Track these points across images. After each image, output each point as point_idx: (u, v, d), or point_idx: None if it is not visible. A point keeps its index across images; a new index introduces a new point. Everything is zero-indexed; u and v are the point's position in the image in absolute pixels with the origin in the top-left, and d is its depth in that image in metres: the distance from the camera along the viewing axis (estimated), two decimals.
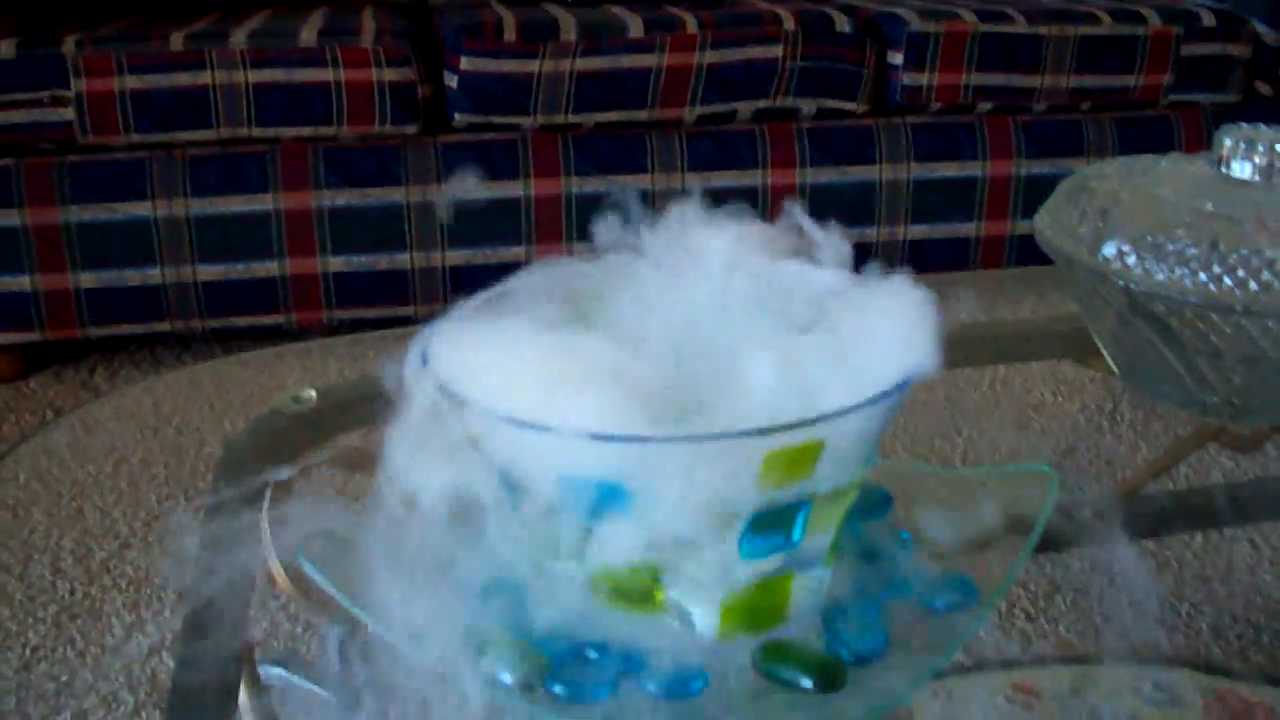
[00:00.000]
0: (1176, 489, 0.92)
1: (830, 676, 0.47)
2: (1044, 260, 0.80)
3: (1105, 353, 0.75)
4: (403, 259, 2.01)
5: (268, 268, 1.99)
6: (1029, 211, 2.18)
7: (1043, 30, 2.09)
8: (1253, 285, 0.64)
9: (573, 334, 0.46)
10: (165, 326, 2.01)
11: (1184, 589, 0.96)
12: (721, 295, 0.48)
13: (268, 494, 0.71)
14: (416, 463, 0.47)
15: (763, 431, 0.40)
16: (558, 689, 0.46)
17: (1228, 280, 0.64)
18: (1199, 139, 2.21)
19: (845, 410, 0.42)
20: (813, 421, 0.41)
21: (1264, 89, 2.24)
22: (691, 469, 0.40)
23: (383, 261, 2.01)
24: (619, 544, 0.43)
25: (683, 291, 0.50)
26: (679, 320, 0.45)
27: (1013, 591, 1.05)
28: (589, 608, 0.47)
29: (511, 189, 2.01)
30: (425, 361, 0.47)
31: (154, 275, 1.97)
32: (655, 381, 0.42)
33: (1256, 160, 0.71)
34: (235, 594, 0.66)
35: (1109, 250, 0.68)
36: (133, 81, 1.86)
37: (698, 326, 0.46)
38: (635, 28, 1.98)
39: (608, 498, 0.42)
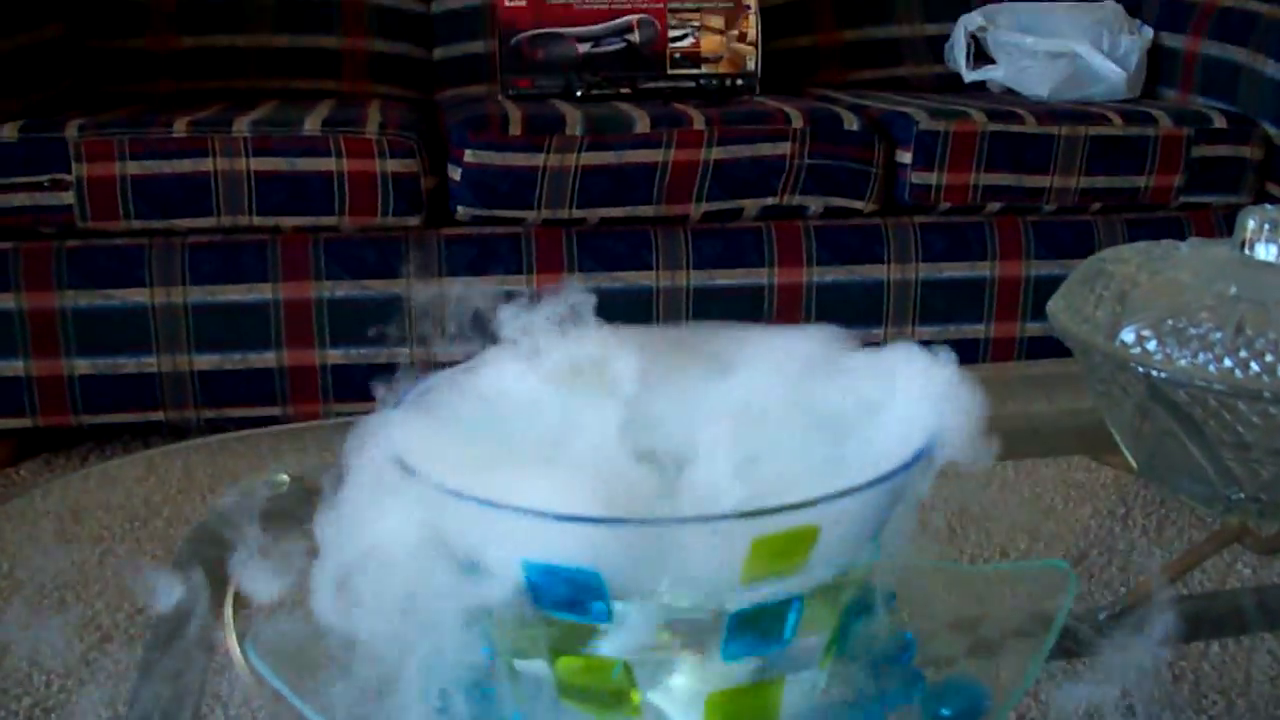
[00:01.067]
0: (1201, 592, 0.88)
1: None
2: (1058, 354, 0.76)
3: (1123, 447, 0.71)
4: (403, 353, 1.98)
5: (265, 358, 1.96)
6: (1039, 313, 2.15)
7: (1052, 130, 2.08)
8: None
9: (543, 417, 0.42)
10: (160, 416, 1.98)
11: (1202, 701, 0.91)
12: (721, 381, 0.44)
13: (231, 581, 0.68)
14: (373, 550, 0.43)
15: (750, 514, 0.36)
16: None
17: (1255, 366, 0.60)
18: None
19: (842, 493, 0.38)
20: (806, 504, 0.37)
21: (1276, 190, 2.22)
22: (671, 556, 0.36)
23: (383, 355, 1.98)
24: (591, 639, 0.39)
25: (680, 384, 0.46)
26: (665, 408, 0.41)
27: (1026, 706, 1.00)
28: (559, 711, 0.43)
29: (515, 283, 1.99)
30: (389, 449, 0.44)
31: (150, 363, 1.94)
32: (635, 468, 0.38)
33: None
34: (190, 679, 0.63)
35: (1128, 335, 0.64)
36: (134, 167, 1.85)
37: (688, 411, 0.42)
38: (642, 123, 1.97)
39: (579, 588, 0.38)
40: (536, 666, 0.43)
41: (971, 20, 2.50)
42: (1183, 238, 2.11)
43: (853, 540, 0.41)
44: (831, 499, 0.37)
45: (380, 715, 0.45)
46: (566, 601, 0.39)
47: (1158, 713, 0.89)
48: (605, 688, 0.42)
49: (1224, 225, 2.20)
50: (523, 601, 0.40)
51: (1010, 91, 2.44)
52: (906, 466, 0.40)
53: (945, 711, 0.47)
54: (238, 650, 0.58)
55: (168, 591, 0.67)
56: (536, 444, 0.40)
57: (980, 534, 1.10)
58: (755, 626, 0.40)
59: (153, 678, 0.66)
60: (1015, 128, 2.07)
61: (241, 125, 1.88)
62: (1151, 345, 0.63)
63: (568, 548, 0.37)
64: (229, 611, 0.63)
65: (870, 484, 0.38)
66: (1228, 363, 0.61)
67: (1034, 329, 2.15)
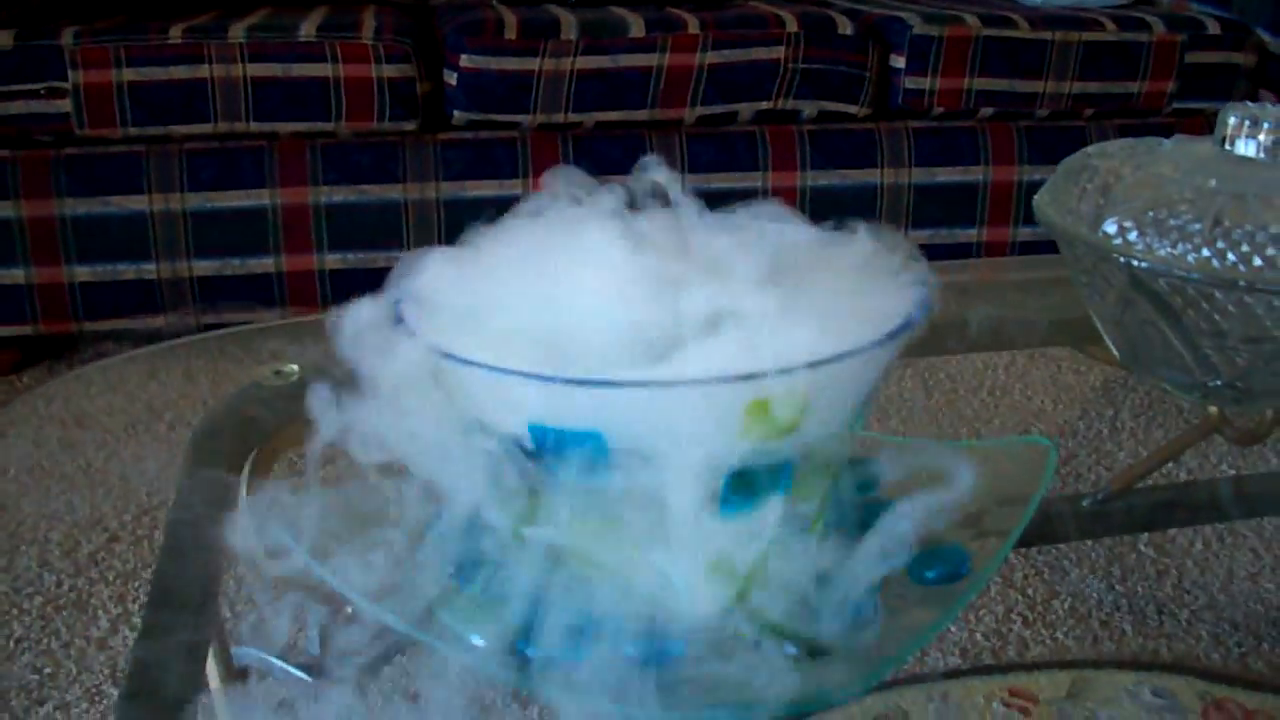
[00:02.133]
0: (1181, 481, 0.90)
1: (817, 644, 0.45)
2: (1050, 250, 0.78)
3: (1106, 336, 0.73)
4: (400, 257, 2.00)
5: (264, 264, 1.98)
6: (1031, 217, 2.17)
7: (1046, 36, 2.08)
8: (1257, 261, 0.62)
9: (543, 281, 0.44)
10: (160, 322, 2.00)
11: (1183, 596, 0.94)
12: (703, 251, 0.46)
13: (247, 467, 0.70)
14: (388, 423, 0.46)
15: (744, 377, 0.38)
16: (531, 652, 0.44)
17: (1231, 256, 0.62)
18: None
19: (831, 358, 0.40)
20: (796, 368, 0.39)
21: (1269, 97, 2.23)
22: (669, 416, 0.39)
23: (380, 259, 2.00)
24: (594, 500, 0.42)
25: (661, 246, 0.48)
26: (658, 272, 0.44)
27: (1009, 595, 1.03)
28: (564, 570, 0.45)
29: (511, 188, 2.00)
30: (397, 314, 0.46)
31: (149, 270, 1.96)
32: (634, 327, 0.40)
33: (1261, 138, 0.69)
34: (207, 570, 0.65)
35: (1110, 227, 0.66)
36: (130, 74, 1.85)
37: (677, 279, 0.44)
38: (636, 27, 1.97)
39: (581, 448, 0.41)
40: (544, 532, 0.45)
41: None
42: None
43: (842, 405, 0.43)
44: (822, 364, 0.40)
45: (398, 585, 0.47)
46: (572, 464, 0.41)
47: (1142, 606, 0.92)
48: (611, 547, 0.45)
49: None
50: (530, 465, 0.42)
51: None
52: (894, 333, 0.42)
53: (930, 574, 0.49)
54: (252, 534, 0.61)
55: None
56: (538, 310, 0.43)
57: (971, 433, 1.13)
58: (752, 485, 0.43)
59: (175, 560, 0.68)
60: (1009, 33, 2.07)
61: (237, 31, 1.89)
62: (1133, 236, 0.65)
63: (572, 410, 0.40)
64: (244, 498, 0.65)
65: (855, 352, 0.41)
66: (1205, 252, 0.63)
67: (1026, 233, 2.17)
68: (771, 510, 0.43)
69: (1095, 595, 0.94)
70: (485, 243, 0.48)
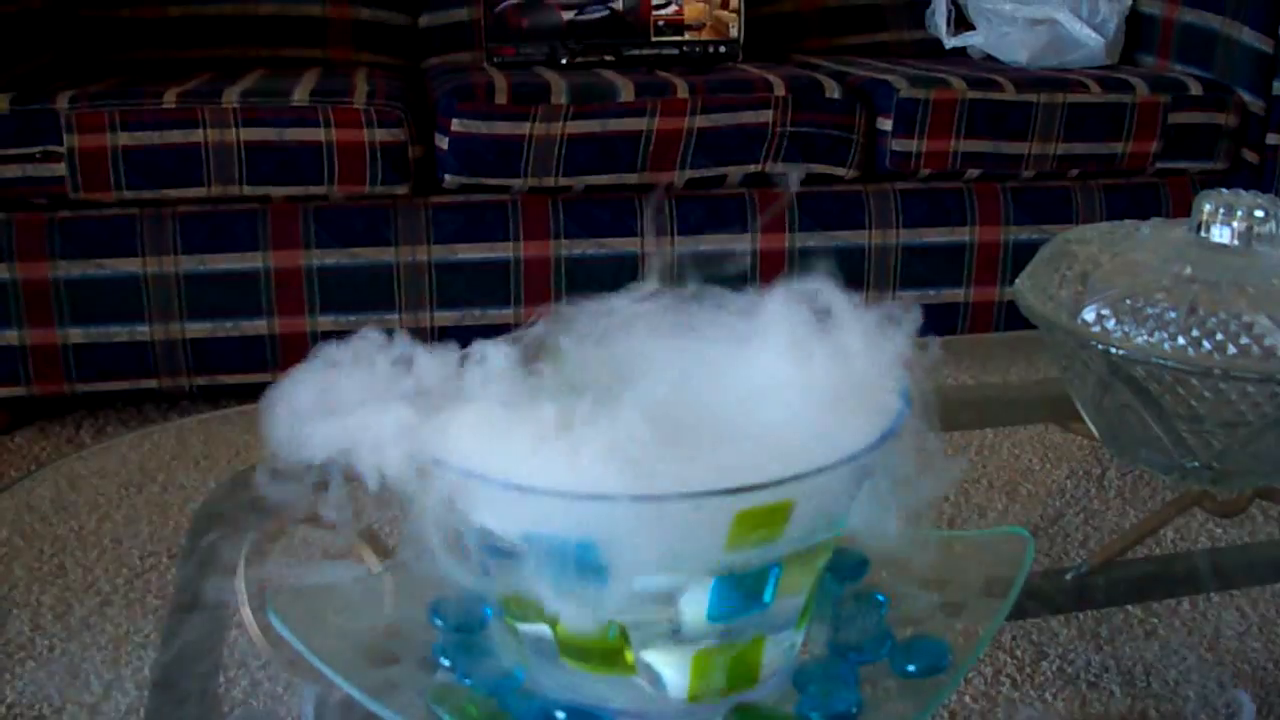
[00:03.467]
0: (1161, 554, 0.91)
1: None
2: (1033, 326, 0.80)
3: (1086, 417, 0.74)
4: (392, 319, 2.01)
5: (256, 326, 1.99)
6: (1017, 277, 2.19)
7: (1031, 98, 2.11)
8: (1231, 349, 0.64)
9: (542, 391, 0.46)
10: (153, 383, 2.01)
11: (1170, 657, 0.95)
12: (698, 349, 0.48)
13: (245, 549, 0.71)
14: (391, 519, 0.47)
15: (732, 491, 0.40)
16: None
17: (1207, 344, 0.64)
18: (1186, 206, 2.20)
19: (816, 470, 0.41)
20: (783, 481, 0.41)
21: (1250, 157, 2.25)
22: (661, 527, 0.40)
23: (372, 321, 2.01)
24: (588, 602, 0.43)
25: (659, 349, 0.49)
26: (652, 378, 0.45)
27: (997, 657, 1.04)
28: (558, 667, 0.47)
29: (501, 250, 2.02)
30: (396, 422, 0.47)
31: (142, 332, 1.97)
32: (627, 438, 0.42)
33: (1235, 225, 0.71)
34: (207, 647, 0.66)
35: (1089, 314, 0.68)
36: (125, 138, 1.87)
37: (672, 384, 0.45)
38: (626, 92, 1.99)
39: (577, 556, 0.42)
40: (537, 627, 0.46)
41: None
42: (1159, 204, 2.14)
43: (826, 511, 0.45)
44: (805, 476, 0.41)
45: (390, 673, 0.48)
46: (566, 570, 0.42)
47: (1129, 667, 0.93)
48: (602, 647, 0.46)
49: (1200, 191, 2.23)
50: (524, 568, 0.44)
51: (990, 57, 2.46)
52: (873, 446, 0.43)
53: (911, 667, 0.50)
54: (257, 629, 0.62)
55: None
56: (534, 417, 0.44)
57: (959, 494, 1.14)
58: (740, 587, 0.44)
59: (174, 645, 0.69)
60: (994, 95, 2.10)
61: (231, 96, 1.90)
62: (1111, 324, 0.67)
63: (565, 520, 0.41)
64: (243, 590, 0.66)
65: (840, 462, 0.42)
66: (1181, 341, 0.64)
67: (1012, 293, 2.18)
68: (758, 611, 0.44)
69: (1083, 657, 0.95)
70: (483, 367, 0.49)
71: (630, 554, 0.41)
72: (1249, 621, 0.92)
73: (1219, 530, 1.08)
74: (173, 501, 1.01)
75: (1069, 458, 1.20)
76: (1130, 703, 0.91)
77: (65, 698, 0.97)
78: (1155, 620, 0.94)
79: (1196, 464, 0.70)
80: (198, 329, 1.98)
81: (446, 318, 2.03)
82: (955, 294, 2.18)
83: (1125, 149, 2.17)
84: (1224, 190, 0.73)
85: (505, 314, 2.04)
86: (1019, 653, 0.99)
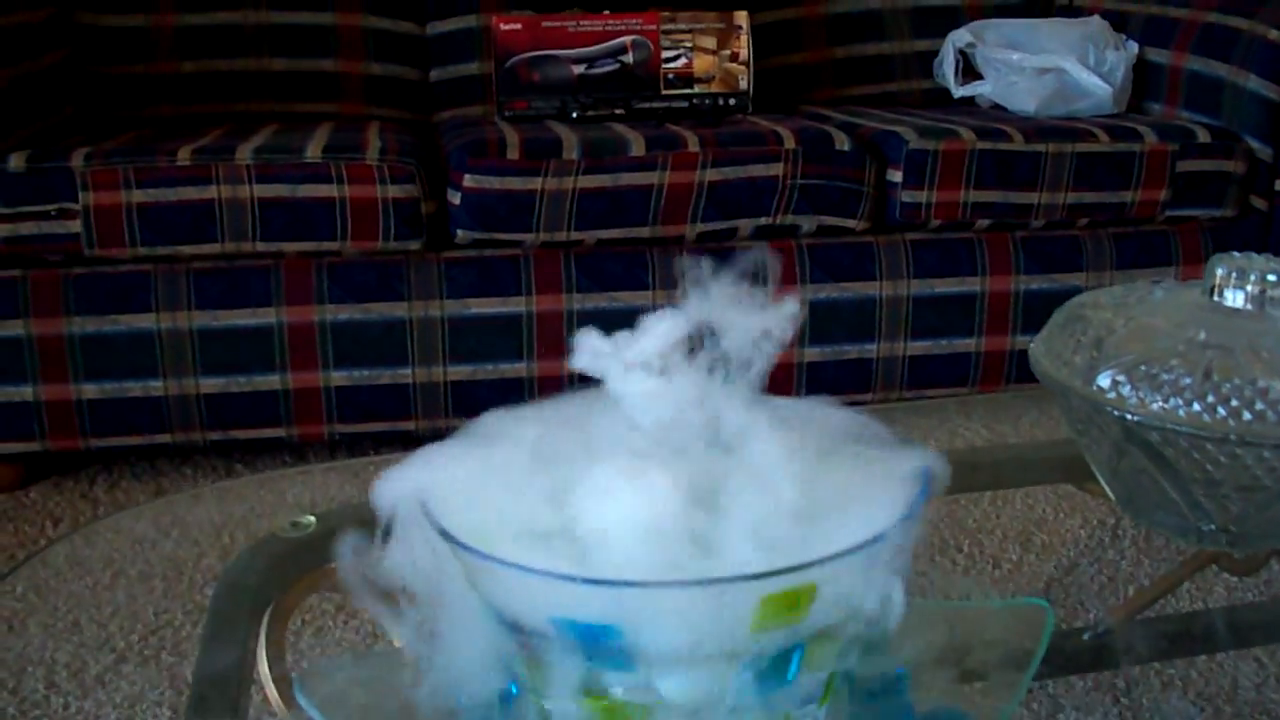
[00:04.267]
0: (1178, 612, 0.91)
1: None
2: None
3: (1102, 480, 0.75)
4: (405, 374, 2.02)
5: (270, 381, 2.00)
6: (1029, 327, 2.19)
7: (1040, 148, 2.12)
8: (1246, 415, 0.64)
9: (566, 472, 0.46)
10: (166, 438, 2.01)
11: (1189, 709, 0.95)
12: (721, 433, 0.48)
13: (265, 620, 0.71)
14: (413, 598, 0.47)
15: (755, 576, 0.40)
16: None
17: (1222, 410, 0.64)
18: (1196, 253, 2.22)
19: (839, 554, 0.42)
20: (807, 566, 0.41)
21: (1259, 204, 2.26)
22: (685, 613, 0.40)
23: (385, 376, 2.02)
24: (614, 685, 0.43)
25: (683, 430, 0.50)
26: (677, 461, 0.45)
27: (1015, 712, 1.04)
28: None
29: (514, 305, 2.02)
30: (423, 505, 0.47)
31: (156, 387, 1.98)
32: (654, 523, 0.42)
33: (1249, 289, 0.71)
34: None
35: (1103, 380, 0.68)
36: (139, 195, 1.88)
37: (698, 467, 0.46)
38: (637, 146, 2.00)
39: (602, 640, 0.42)
40: (565, 706, 0.47)
41: (960, 37, 2.54)
42: (1169, 251, 2.14)
43: (847, 593, 0.45)
44: (826, 561, 0.41)
45: None
46: (592, 652, 0.43)
47: (1148, 719, 0.92)
48: None
49: (1209, 239, 2.24)
50: (551, 650, 0.44)
51: (998, 106, 2.47)
52: (887, 533, 0.44)
53: None
54: (276, 696, 0.62)
55: None
56: (557, 509, 0.44)
57: (974, 545, 1.14)
58: (765, 667, 0.44)
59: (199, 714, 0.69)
60: (1003, 145, 2.10)
61: (244, 153, 1.92)
62: (1126, 390, 0.67)
63: (592, 606, 0.41)
64: (264, 658, 0.67)
65: (859, 547, 0.42)
66: (1196, 407, 0.65)
67: (1023, 343, 2.19)
68: (783, 691, 0.45)
69: (1100, 709, 0.95)
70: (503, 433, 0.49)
71: (655, 639, 0.41)
72: (1267, 672, 0.92)
73: (1235, 582, 1.07)
74: (186, 559, 1.02)
75: (1083, 508, 1.20)
76: None
77: None
78: (1172, 670, 0.94)
79: (1213, 527, 0.70)
80: (211, 384, 1.98)
81: (459, 372, 2.03)
82: (967, 344, 2.18)
83: (1134, 197, 2.17)
84: (1236, 254, 0.73)
85: (518, 368, 2.04)
86: (1035, 706, 0.98)
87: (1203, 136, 2.19)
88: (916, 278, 2.14)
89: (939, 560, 1.04)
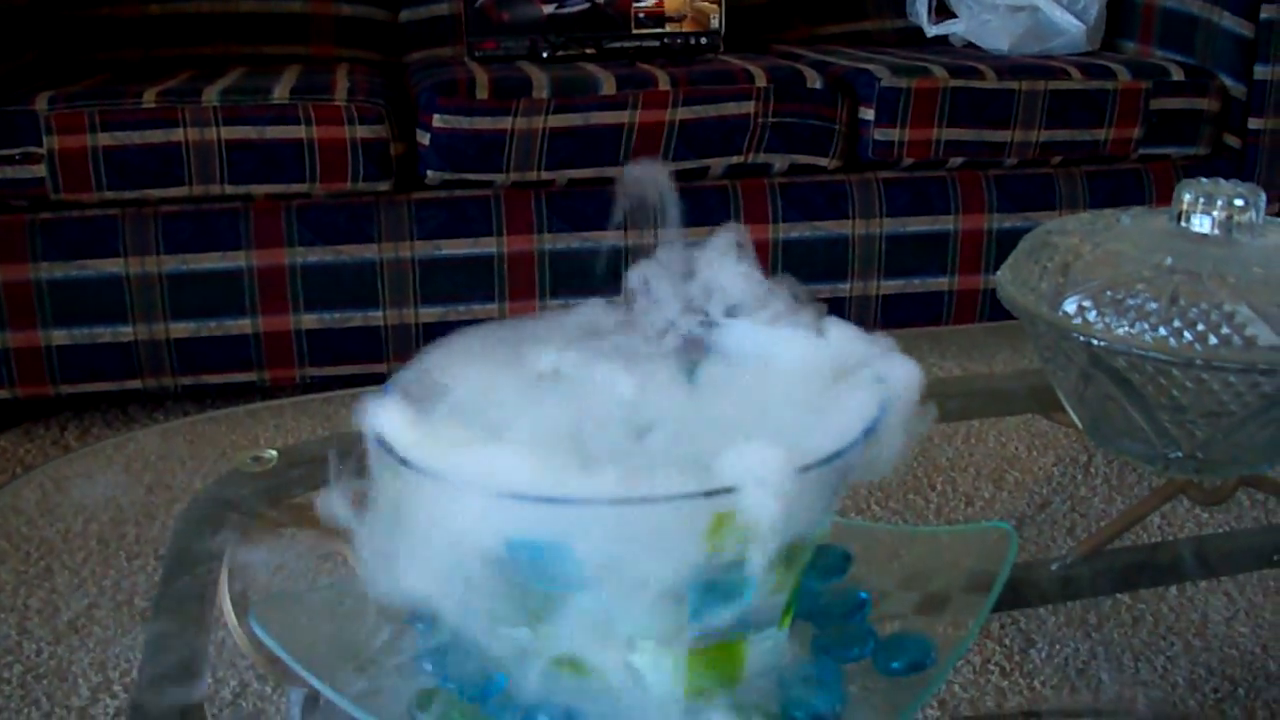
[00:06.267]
0: (1146, 543, 0.92)
1: None
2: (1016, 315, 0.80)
3: (1069, 408, 0.74)
4: (376, 316, 2.01)
5: (240, 325, 1.98)
6: (1001, 265, 2.19)
7: (1013, 85, 2.11)
8: (1213, 339, 0.64)
9: (522, 398, 0.46)
10: (137, 384, 2.00)
11: (1159, 642, 0.95)
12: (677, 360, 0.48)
13: (227, 554, 0.71)
14: (368, 528, 0.46)
15: (707, 493, 0.40)
16: None
17: (1188, 335, 0.64)
18: (1169, 192, 2.21)
19: (791, 472, 0.41)
20: (756, 485, 0.40)
21: (1232, 142, 2.26)
22: (638, 531, 0.40)
23: (356, 318, 2.01)
24: (569, 607, 0.43)
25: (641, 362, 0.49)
26: (631, 388, 0.45)
27: (986, 646, 1.04)
28: (541, 671, 0.46)
29: (484, 246, 2.01)
30: (372, 427, 0.47)
31: (126, 333, 1.96)
32: (605, 442, 0.42)
33: (1215, 215, 0.71)
34: (190, 653, 0.66)
35: (1070, 306, 0.68)
36: (105, 139, 1.86)
37: (653, 395, 0.45)
38: (608, 85, 1.99)
39: (556, 560, 0.42)
40: (519, 632, 0.46)
41: None
42: (1142, 189, 2.14)
43: (807, 510, 0.44)
44: (780, 478, 0.41)
45: (375, 680, 0.48)
46: (544, 573, 0.42)
47: (1118, 654, 0.93)
48: (585, 650, 0.46)
49: (1182, 177, 2.24)
50: (504, 573, 0.43)
51: (971, 45, 2.46)
52: (851, 446, 0.43)
53: (895, 665, 0.50)
54: (235, 621, 0.62)
55: None
56: (517, 424, 0.44)
57: (946, 482, 1.14)
58: (720, 588, 0.44)
59: (158, 650, 0.69)
60: (976, 83, 2.09)
61: (210, 95, 1.90)
62: (1092, 315, 0.67)
63: (543, 524, 0.41)
64: (225, 584, 0.66)
65: (816, 464, 0.42)
66: (1162, 331, 0.64)
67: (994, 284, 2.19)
68: (739, 612, 0.44)
69: (1072, 643, 0.95)
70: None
71: (609, 559, 0.41)
72: (1236, 607, 0.92)
73: (1205, 516, 1.08)
74: (159, 503, 1.01)
75: (1055, 445, 1.20)
76: (1118, 689, 0.91)
77: (53, 701, 0.97)
78: (1142, 605, 0.95)
79: (1180, 454, 0.70)
80: (181, 329, 1.97)
81: (430, 314, 2.02)
82: (940, 283, 2.18)
83: (1108, 135, 2.17)
84: (1204, 180, 0.72)
85: (489, 309, 2.03)
86: (1007, 641, 0.99)
87: (1176, 74, 2.19)
88: (889, 216, 2.13)
89: (911, 498, 1.04)
